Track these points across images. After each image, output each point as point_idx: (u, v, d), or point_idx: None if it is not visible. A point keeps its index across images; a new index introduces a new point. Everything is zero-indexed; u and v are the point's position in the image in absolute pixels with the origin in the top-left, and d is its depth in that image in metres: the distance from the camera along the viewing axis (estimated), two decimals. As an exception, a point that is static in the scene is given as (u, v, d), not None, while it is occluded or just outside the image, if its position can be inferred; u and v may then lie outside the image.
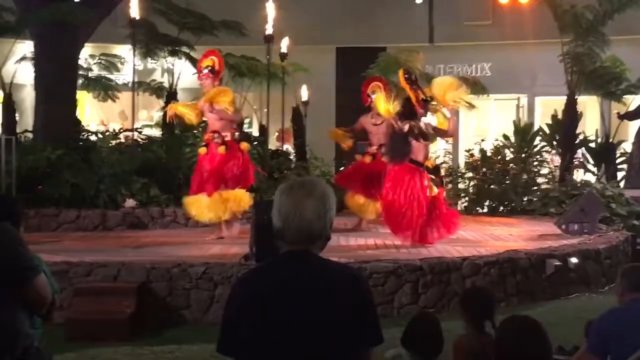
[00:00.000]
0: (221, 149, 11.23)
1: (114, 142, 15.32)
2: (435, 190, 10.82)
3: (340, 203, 13.83)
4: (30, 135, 15.10)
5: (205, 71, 11.38)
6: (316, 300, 2.83)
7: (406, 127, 10.70)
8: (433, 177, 10.88)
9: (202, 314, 8.56)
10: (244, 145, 11.71)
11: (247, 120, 20.99)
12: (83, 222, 12.72)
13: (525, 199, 16.32)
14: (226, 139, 11.35)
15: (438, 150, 18.35)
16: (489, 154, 17.45)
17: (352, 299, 2.87)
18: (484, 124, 23.04)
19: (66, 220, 12.72)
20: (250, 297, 2.90)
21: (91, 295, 8.37)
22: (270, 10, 14.56)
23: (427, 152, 11.15)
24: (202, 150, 11.51)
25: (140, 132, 16.02)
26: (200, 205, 11.30)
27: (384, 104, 11.06)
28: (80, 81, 17.34)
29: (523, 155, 17.60)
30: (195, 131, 14.26)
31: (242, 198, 11.24)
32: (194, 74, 11.69)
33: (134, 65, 15.35)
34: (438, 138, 12.47)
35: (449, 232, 10.98)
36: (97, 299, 8.29)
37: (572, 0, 17.94)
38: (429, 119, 11.13)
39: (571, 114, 18.00)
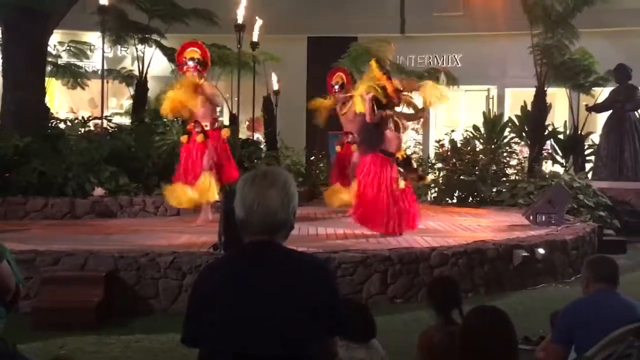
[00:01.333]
0: (199, 137, 11.30)
1: (83, 130, 15.18)
2: (402, 184, 10.84)
3: (310, 193, 13.90)
4: (-3, 122, 14.94)
5: (192, 63, 11.32)
6: (280, 290, 2.83)
7: (379, 117, 10.72)
8: (401, 170, 10.89)
9: (170, 303, 8.53)
10: (224, 132, 11.77)
11: (218, 109, 20.92)
12: (51, 210, 12.61)
13: (494, 189, 16.42)
14: (206, 128, 11.43)
15: (408, 140, 18.44)
16: (458, 144, 17.54)
17: (316, 289, 2.87)
18: (454, 115, 23.14)
19: (34, 208, 12.60)
20: (213, 289, 2.89)
21: (58, 284, 8.30)
22: (243, -1, 14.51)
23: (399, 142, 11.19)
24: (184, 138, 11.68)
25: (109, 120, 15.92)
26: (177, 194, 11.41)
27: (360, 105, 11.00)
28: (49, 68, 17.19)
29: (492, 146, 17.72)
30: (165, 120, 14.18)
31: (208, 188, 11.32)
32: (174, 64, 11.52)
33: (104, 52, 15.21)
34: (409, 128, 12.51)
35: (410, 227, 11.04)
36: (64, 287, 8.22)
37: (542, -8, 18.04)
38: (405, 110, 11.23)
39: (540, 106, 18.13)
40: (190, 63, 11.31)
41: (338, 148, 13.65)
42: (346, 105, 13.05)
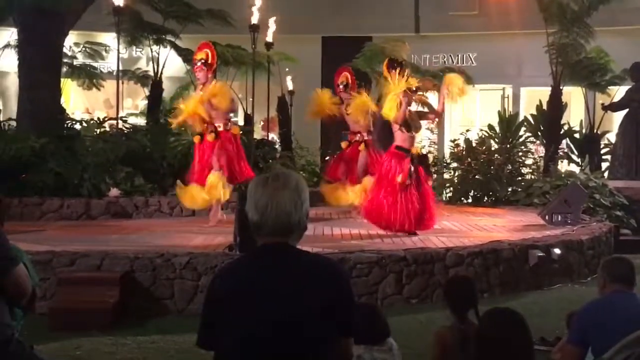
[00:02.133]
0: (210, 137, 11.43)
1: (98, 130, 15.25)
2: (403, 179, 10.75)
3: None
4: (14, 123, 15.01)
5: (199, 64, 11.56)
6: (294, 292, 2.84)
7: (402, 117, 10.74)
8: (412, 168, 10.83)
9: (186, 304, 8.55)
10: (235, 130, 11.84)
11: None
12: (67, 211, 12.66)
13: (509, 189, 16.36)
14: (219, 129, 11.55)
15: (423, 140, 18.40)
16: (474, 144, 17.48)
17: (330, 290, 2.87)
18: (469, 114, 23.06)
19: (50, 209, 12.66)
20: (227, 292, 2.90)
21: (74, 285, 8.33)
22: (257, -1, 14.52)
23: (412, 140, 11.16)
24: (196, 138, 11.72)
25: (125, 121, 15.96)
26: (191, 195, 11.51)
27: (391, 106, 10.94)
28: (64, 69, 17.26)
29: (508, 145, 17.64)
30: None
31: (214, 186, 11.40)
32: (188, 65, 11.72)
33: (119, 53, 15.26)
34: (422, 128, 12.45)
35: (426, 227, 11.02)
36: (80, 288, 8.25)
37: (557, -9, 17.98)
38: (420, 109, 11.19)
39: (556, 105, 18.07)
40: (198, 64, 11.60)
41: (344, 144, 13.60)
42: (350, 105, 13.05)
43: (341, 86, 13.34)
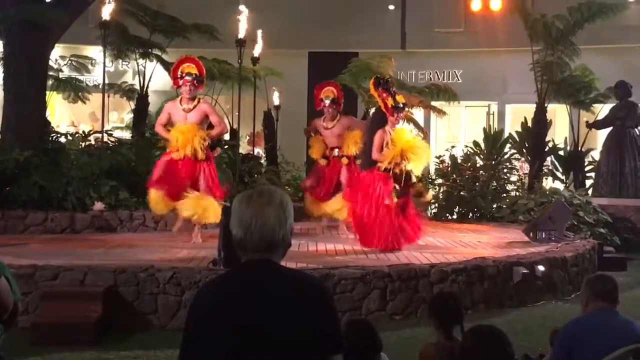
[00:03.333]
0: (200, 155, 11.13)
1: (83, 144, 15.20)
2: (394, 200, 10.77)
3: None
4: (-2, 136, 14.94)
5: (189, 78, 11.13)
6: (278, 309, 2.83)
7: (376, 136, 10.71)
8: (397, 186, 10.82)
9: (170, 319, 8.52)
10: (217, 151, 11.74)
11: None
12: (51, 224, 12.59)
13: (494, 206, 16.40)
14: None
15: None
16: (459, 160, 17.53)
17: (314, 308, 2.87)
18: (454, 130, 23.17)
19: (34, 222, 12.59)
20: (211, 309, 2.89)
21: (57, 299, 8.28)
22: (243, 14, 14.54)
23: None
24: (178, 154, 11.17)
25: (110, 135, 15.91)
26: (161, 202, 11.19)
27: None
28: (50, 82, 17.20)
29: (493, 162, 17.70)
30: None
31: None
32: (174, 80, 11.36)
33: (105, 66, 15.24)
34: None
35: (411, 241, 11.03)
36: (63, 303, 8.21)
37: (542, 9, 18.12)
38: (406, 126, 11.16)
39: (541, 122, 18.16)
40: (188, 78, 11.20)
41: (323, 162, 13.49)
42: (334, 120, 13.04)
43: (327, 101, 13.16)
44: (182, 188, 11.06)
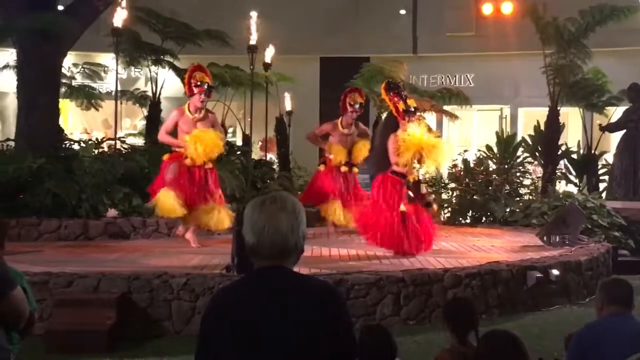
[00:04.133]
0: (208, 165, 11.26)
1: (96, 151, 15.24)
2: (404, 207, 10.75)
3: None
4: (12, 143, 15.01)
5: (204, 87, 11.14)
6: (291, 316, 2.83)
7: (391, 140, 10.69)
8: (410, 194, 10.78)
9: (184, 325, 8.53)
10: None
11: (230, 130, 21.03)
12: (64, 231, 12.64)
13: (507, 210, 16.34)
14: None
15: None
16: (471, 164, 17.50)
17: (328, 314, 2.87)
18: (466, 134, 23.13)
19: (47, 230, 12.63)
20: (224, 316, 2.90)
21: (71, 306, 8.30)
22: (254, 20, 14.58)
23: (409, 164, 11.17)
24: (189, 161, 11.18)
25: (123, 142, 15.96)
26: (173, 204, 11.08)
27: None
28: (63, 89, 17.27)
29: (506, 166, 17.66)
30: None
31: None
32: (188, 88, 11.33)
33: (117, 73, 15.29)
34: None
35: (425, 249, 11.01)
36: (77, 310, 8.22)
37: (554, 12, 18.05)
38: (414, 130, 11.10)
39: (553, 125, 18.10)
40: (204, 86, 11.14)
41: (322, 167, 13.52)
42: (352, 126, 13.11)
43: (357, 105, 13.19)
44: (197, 196, 11.11)
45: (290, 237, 2.92)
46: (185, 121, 11.21)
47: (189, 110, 11.24)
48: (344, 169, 13.20)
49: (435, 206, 11.96)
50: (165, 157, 11.48)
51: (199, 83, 11.17)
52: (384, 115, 16.08)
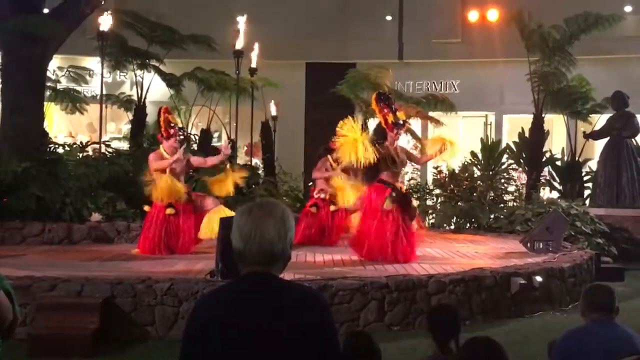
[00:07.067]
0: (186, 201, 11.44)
1: (81, 154, 15.20)
2: (387, 204, 10.79)
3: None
4: (-4, 146, 14.95)
5: (178, 129, 11.52)
6: (275, 323, 2.83)
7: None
8: (394, 194, 10.84)
9: (167, 330, 8.50)
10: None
11: (215, 135, 21.01)
12: (48, 235, 12.61)
13: (491, 216, 16.41)
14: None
15: (407, 166, 18.45)
16: (456, 171, 17.55)
17: (312, 321, 2.87)
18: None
19: (31, 233, 12.60)
20: (208, 321, 2.89)
21: (54, 311, 8.26)
22: (241, 25, 14.59)
23: (396, 176, 11.23)
24: (171, 211, 11.35)
25: (108, 145, 15.93)
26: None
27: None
28: (48, 93, 17.23)
29: (490, 172, 17.73)
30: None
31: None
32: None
33: (103, 77, 15.26)
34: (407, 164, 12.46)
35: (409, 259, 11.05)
36: (60, 314, 8.18)
37: (539, 19, 18.16)
38: (404, 143, 11.17)
39: (538, 132, 18.19)
40: (178, 129, 11.51)
41: (313, 209, 13.36)
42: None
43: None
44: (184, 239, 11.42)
45: (276, 244, 2.92)
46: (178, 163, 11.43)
47: (165, 152, 11.46)
48: (333, 207, 13.13)
49: (419, 223, 11.95)
50: (146, 208, 11.72)
51: (174, 125, 11.48)
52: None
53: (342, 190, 12.75)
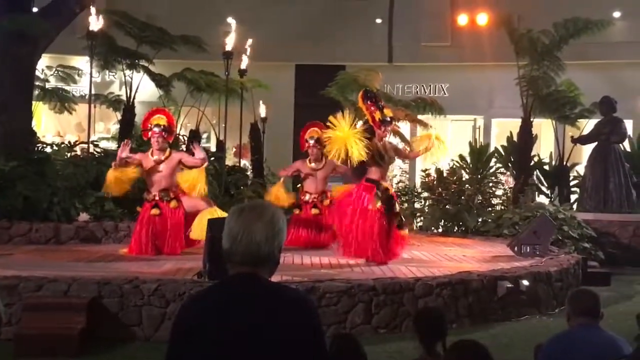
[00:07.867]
0: (173, 204, 11.41)
1: (69, 154, 15.15)
2: (372, 206, 10.84)
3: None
4: (-17, 145, 14.89)
5: (157, 129, 11.41)
6: (262, 324, 2.83)
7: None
8: (379, 193, 10.89)
9: (154, 331, 8.49)
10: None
11: (204, 136, 20.99)
12: (35, 235, 12.57)
13: (479, 220, 16.44)
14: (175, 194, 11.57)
15: (395, 169, 18.51)
16: (445, 174, 17.58)
17: (299, 322, 2.87)
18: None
19: (18, 233, 12.56)
20: (195, 322, 2.89)
21: (41, 311, 8.24)
22: (231, 26, 14.58)
23: (383, 173, 11.27)
24: (155, 212, 11.38)
25: (96, 145, 15.89)
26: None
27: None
28: (36, 92, 17.18)
29: (478, 176, 17.76)
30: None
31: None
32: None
33: (92, 77, 15.22)
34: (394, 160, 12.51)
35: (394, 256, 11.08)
36: (47, 314, 8.17)
37: (529, 24, 18.22)
38: (392, 139, 11.21)
39: (526, 136, 18.22)
40: (156, 129, 11.41)
41: (297, 211, 13.32)
42: (321, 162, 13.09)
43: (311, 141, 13.19)
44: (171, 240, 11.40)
45: (263, 247, 2.93)
46: (148, 163, 11.48)
47: (151, 153, 11.53)
48: (314, 211, 13.14)
49: (406, 230, 11.98)
50: (139, 209, 11.77)
51: (153, 126, 11.48)
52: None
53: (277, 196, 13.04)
